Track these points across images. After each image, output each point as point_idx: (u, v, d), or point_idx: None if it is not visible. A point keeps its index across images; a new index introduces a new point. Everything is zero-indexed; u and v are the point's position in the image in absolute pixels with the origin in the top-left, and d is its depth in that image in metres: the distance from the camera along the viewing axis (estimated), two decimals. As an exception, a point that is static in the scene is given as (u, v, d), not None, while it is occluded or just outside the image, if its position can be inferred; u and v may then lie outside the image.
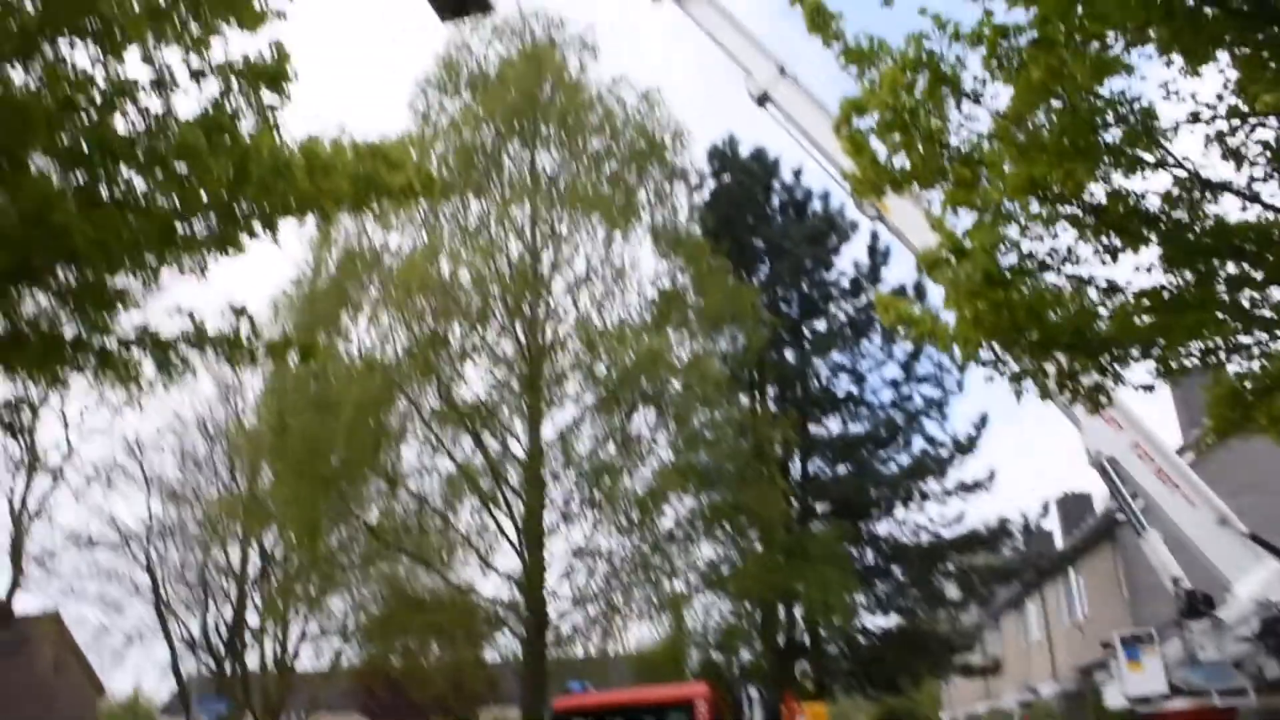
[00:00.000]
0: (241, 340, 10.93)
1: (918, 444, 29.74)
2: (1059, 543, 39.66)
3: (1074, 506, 40.99)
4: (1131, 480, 15.70)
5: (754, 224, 31.20)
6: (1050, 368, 9.29)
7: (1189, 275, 8.59)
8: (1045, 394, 9.63)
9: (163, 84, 10.27)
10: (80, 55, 10.03)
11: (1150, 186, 8.33)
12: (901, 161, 8.52)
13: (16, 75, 9.96)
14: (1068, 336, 8.67)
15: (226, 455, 38.83)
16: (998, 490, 30.13)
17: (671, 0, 20.04)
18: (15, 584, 34.98)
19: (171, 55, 10.53)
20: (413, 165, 11.87)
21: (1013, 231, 8.50)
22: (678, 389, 26.40)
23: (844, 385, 30.75)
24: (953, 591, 30.13)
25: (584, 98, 27.46)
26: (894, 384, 30.29)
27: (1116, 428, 15.67)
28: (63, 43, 9.61)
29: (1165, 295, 8.64)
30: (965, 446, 29.19)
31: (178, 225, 10.38)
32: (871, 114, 8.40)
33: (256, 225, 10.78)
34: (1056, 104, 7.91)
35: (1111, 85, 7.90)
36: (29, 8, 9.37)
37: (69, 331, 10.68)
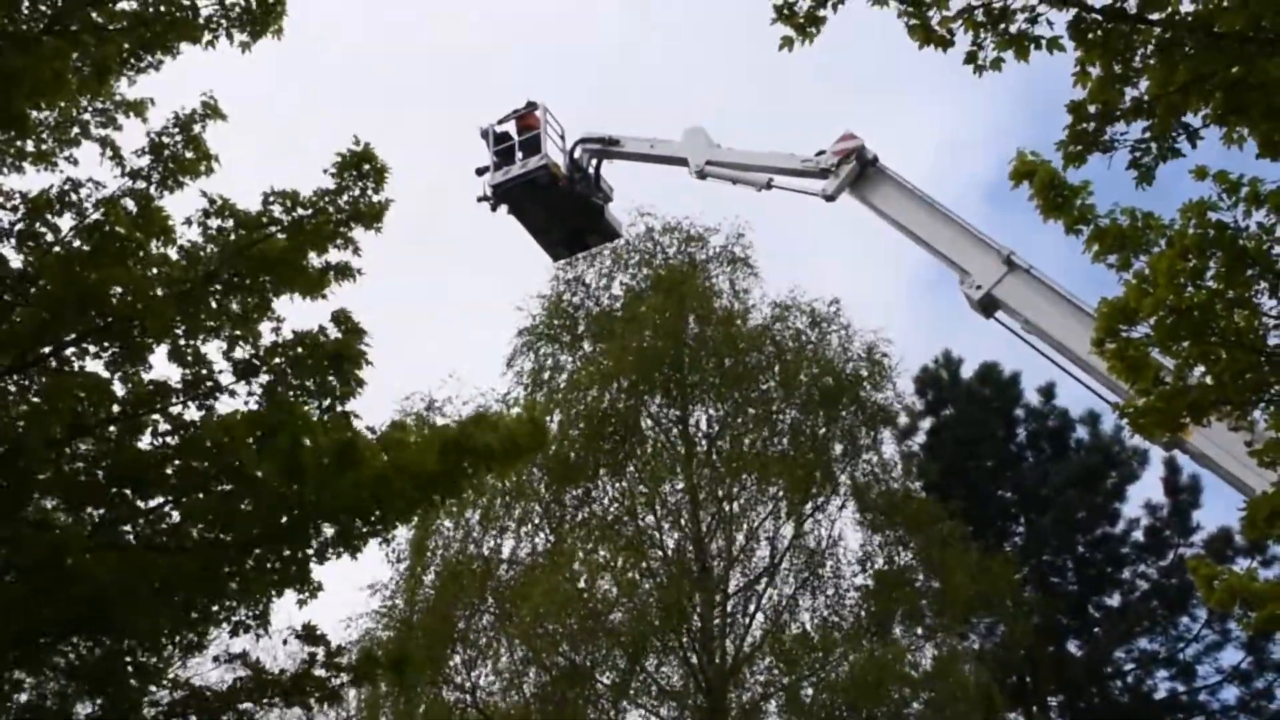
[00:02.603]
0: (315, 676, 10.99)
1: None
2: None
3: None
4: None
5: (995, 468, 30.77)
6: None
7: None
8: None
9: (198, 385, 10.71)
10: (94, 362, 10.59)
11: None
12: (1200, 377, 8.16)
13: (15, 393, 10.51)
14: None
15: None
16: None
17: (849, 194, 20.14)
18: None
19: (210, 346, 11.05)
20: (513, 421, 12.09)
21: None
22: (920, 709, 25.37)
23: (1163, 684, 29.51)
24: None
25: (743, 330, 27.82)
26: (1240, 676, 28.80)
27: None
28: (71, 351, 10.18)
29: None
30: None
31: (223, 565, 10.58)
32: (1147, 318, 8.11)
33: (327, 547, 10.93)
34: None
35: None
36: (23, 310, 9.91)
37: (84, 711, 10.84)
